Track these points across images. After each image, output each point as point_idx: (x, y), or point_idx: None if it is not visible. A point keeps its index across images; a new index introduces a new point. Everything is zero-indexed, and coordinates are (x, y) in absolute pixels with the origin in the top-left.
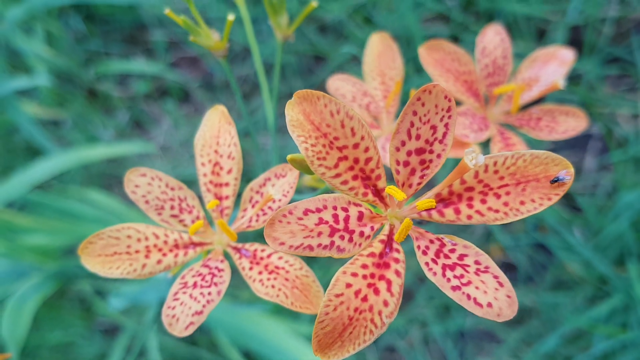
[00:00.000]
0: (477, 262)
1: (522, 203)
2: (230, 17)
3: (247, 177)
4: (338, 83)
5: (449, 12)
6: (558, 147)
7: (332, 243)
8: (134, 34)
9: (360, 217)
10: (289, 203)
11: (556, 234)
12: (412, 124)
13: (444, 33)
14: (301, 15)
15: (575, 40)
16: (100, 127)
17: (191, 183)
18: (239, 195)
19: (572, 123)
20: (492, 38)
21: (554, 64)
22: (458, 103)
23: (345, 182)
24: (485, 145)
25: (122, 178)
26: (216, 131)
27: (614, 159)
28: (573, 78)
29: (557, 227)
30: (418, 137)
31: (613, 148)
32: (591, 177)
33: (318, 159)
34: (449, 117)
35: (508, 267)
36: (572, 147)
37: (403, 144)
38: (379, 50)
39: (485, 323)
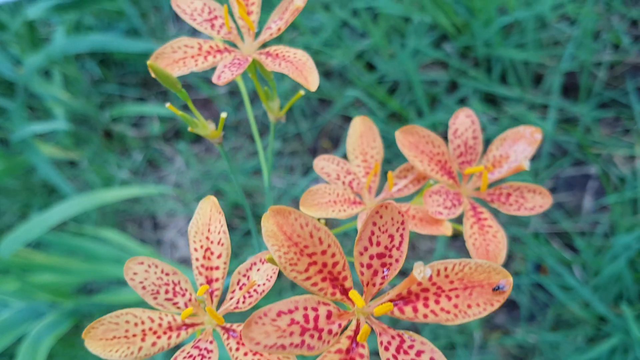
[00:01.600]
0: (431, 359)
1: (469, 306)
2: (224, 114)
3: (256, 215)
4: (323, 163)
5: (447, 59)
6: (558, 187)
7: (303, 342)
8: (148, 77)
9: (329, 315)
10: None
11: (556, 275)
12: (372, 233)
13: (444, 78)
14: (290, 102)
15: (571, 84)
16: (116, 167)
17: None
18: (229, 273)
19: (539, 200)
20: (464, 120)
21: (522, 143)
22: (433, 182)
23: (315, 284)
24: (459, 220)
25: (136, 216)
26: (207, 219)
27: (610, 200)
28: (570, 120)
29: (556, 267)
30: (378, 244)
31: (610, 189)
32: (590, 217)
33: (290, 264)
34: (403, 228)
35: (511, 306)
36: (571, 187)
37: (366, 249)
38: (361, 131)
39: None
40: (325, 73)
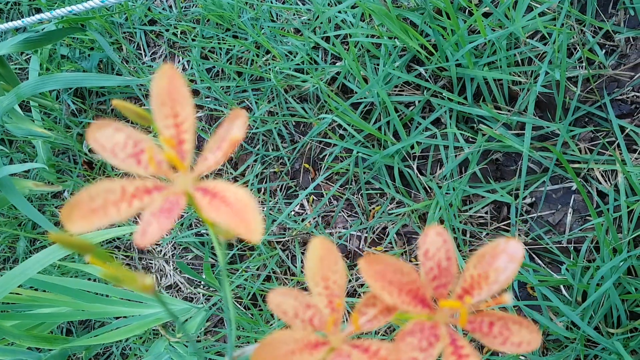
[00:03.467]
0: None
1: None
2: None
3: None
4: (280, 298)
5: (420, 81)
6: (538, 202)
7: None
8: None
9: None
10: None
11: (542, 293)
12: None
13: (419, 99)
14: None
15: (547, 100)
16: None
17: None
18: None
19: (526, 336)
20: (434, 240)
21: (503, 259)
22: (406, 316)
23: None
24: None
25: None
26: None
27: (593, 217)
28: (547, 137)
29: (542, 289)
30: None
31: (592, 204)
32: (574, 234)
33: None
34: None
35: None
36: (554, 203)
37: None
38: (321, 254)
39: None
40: (301, 97)
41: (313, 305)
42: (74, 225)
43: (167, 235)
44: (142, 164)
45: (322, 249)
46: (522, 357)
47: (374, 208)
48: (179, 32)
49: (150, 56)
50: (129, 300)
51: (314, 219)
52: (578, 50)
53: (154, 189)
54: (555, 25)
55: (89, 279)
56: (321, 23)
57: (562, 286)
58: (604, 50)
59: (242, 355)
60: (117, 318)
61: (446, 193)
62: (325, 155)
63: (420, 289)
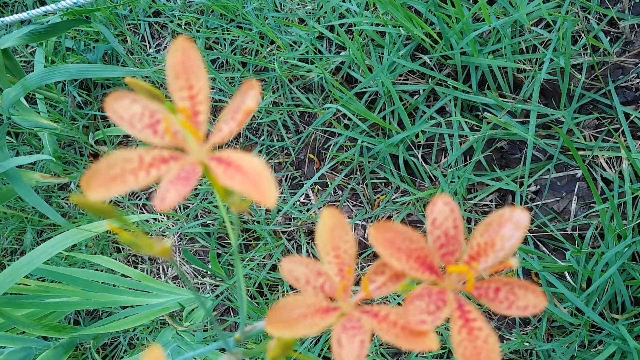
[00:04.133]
0: None
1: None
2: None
3: (246, 230)
4: (291, 265)
5: (424, 69)
6: (543, 190)
7: None
8: None
9: None
10: None
11: (547, 280)
12: None
13: (423, 88)
14: (248, 200)
15: (552, 87)
16: None
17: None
18: None
19: (532, 299)
20: (442, 209)
21: (509, 227)
22: (414, 281)
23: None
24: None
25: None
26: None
27: (598, 203)
28: (552, 124)
29: (546, 275)
30: None
31: (597, 191)
32: (578, 221)
33: None
34: None
35: None
36: (558, 190)
37: None
38: (331, 224)
39: None
40: (305, 88)
41: (324, 272)
42: (94, 192)
43: (173, 226)
44: (158, 134)
45: (333, 219)
46: (527, 343)
47: (378, 197)
48: (183, 23)
49: (155, 48)
50: (136, 290)
51: (319, 208)
52: (583, 38)
53: (170, 158)
54: (559, 13)
55: (97, 270)
56: (325, 12)
57: (566, 273)
58: (608, 37)
59: (253, 330)
60: (124, 308)
61: (451, 181)
62: (330, 145)
63: (429, 256)
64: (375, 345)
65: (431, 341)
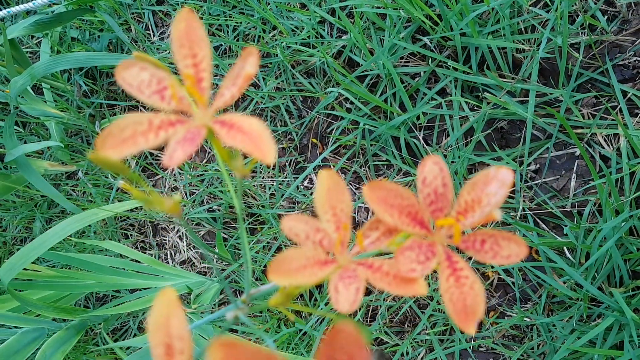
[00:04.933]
0: None
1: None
2: (177, 197)
3: (251, 215)
4: (291, 223)
5: (424, 51)
6: (543, 168)
7: None
8: None
9: None
10: None
11: (546, 256)
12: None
13: (423, 70)
14: (252, 161)
15: (550, 66)
16: (111, 176)
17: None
18: None
19: (514, 249)
20: (432, 168)
21: (494, 185)
22: (405, 235)
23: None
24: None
25: (136, 222)
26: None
27: (596, 180)
28: (550, 103)
29: (546, 251)
30: None
31: (595, 168)
32: (577, 198)
33: None
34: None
35: (504, 288)
36: (557, 168)
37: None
38: (328, 186)
39: (486, 343)
40: (307, 72)
41: (322, 229)
42: (107, 152)
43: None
44: (165, 100)
45: (330, 180)
46: (527, 319)
47: (381, 179)
48: None
49: (159, 36)
50: (145, 273)
51: None
52: (580, 17)
53: (177, 122)
54: None
55: (106, 255)
56: None
57: (565, 249)
58: (605, 16)
59: (258, 292)
60: (132, 292)
61: (452, 162)
62: (333, 129)
63: (419, 212)
64: (379, 324)
65: (420, 287)
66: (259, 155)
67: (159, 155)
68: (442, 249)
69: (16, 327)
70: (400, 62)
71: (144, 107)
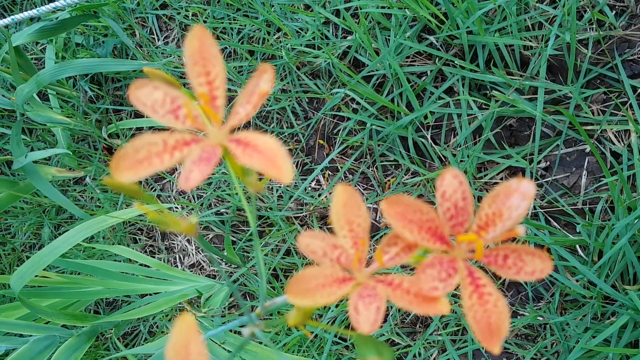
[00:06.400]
0: None
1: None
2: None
3: (259, 217)
4: (308, 240)
5: (431, 50)
6: (553, 166)
7: None
8: None
9: None
10: None
11: (558, 255)
12: None
13: (430, 69)
14: (265, 179)
15: (558, 64)
16: None
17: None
18: None
19: (539, 265)
20: (451, 182)
21: (516, 198)
22: (424, 250)
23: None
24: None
25: (145, 226)
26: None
27: (607, 177)
28: (560, 100)
29: (558, 249)
30: None
31: (606, 165)
32: (589, 195)
33: None
34: None
35: (517, 287)
36: (568, 166)
37: None
38: (344, 200)
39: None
40: (313, 74)
41: (339, 245)
42: (122, 175)
43: (187, 215)
44: (179, 119)
45: (346, 194)
46: (540, 318)
47: (389, 180)
48: (190, 15)
49: (163, 40)
50: (154, 278)
51: (330, 193)
52: (588, 12)
53: (192, 141)
54: None
55: (115, 261)
56: None
57: (578, 247)
58: (614, 11)
59: (273, 305)
60: (142, 297)
61: (461, 161)
62: (339, 130)
63: (439, 227)
64: (391, 325)
65: (443, 305)
66: (276, 174)
67: None
68: (464, 265)
69: (22, 335)
70: (407, 61)
71: None
